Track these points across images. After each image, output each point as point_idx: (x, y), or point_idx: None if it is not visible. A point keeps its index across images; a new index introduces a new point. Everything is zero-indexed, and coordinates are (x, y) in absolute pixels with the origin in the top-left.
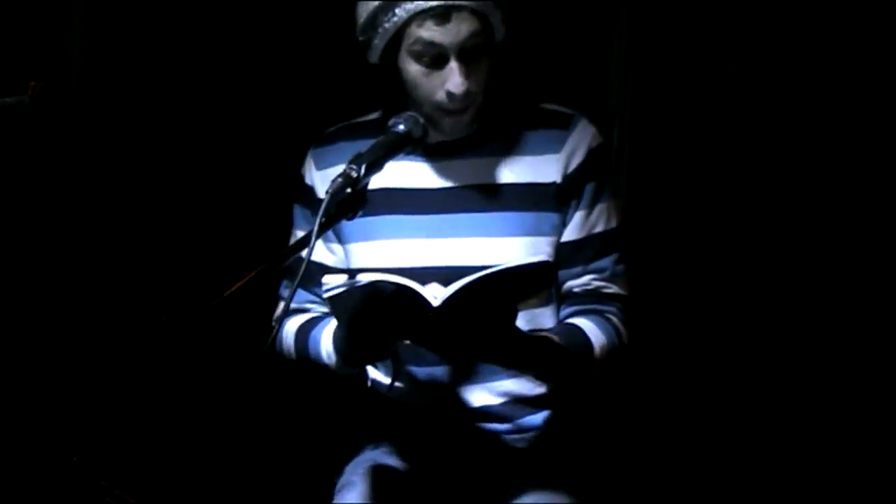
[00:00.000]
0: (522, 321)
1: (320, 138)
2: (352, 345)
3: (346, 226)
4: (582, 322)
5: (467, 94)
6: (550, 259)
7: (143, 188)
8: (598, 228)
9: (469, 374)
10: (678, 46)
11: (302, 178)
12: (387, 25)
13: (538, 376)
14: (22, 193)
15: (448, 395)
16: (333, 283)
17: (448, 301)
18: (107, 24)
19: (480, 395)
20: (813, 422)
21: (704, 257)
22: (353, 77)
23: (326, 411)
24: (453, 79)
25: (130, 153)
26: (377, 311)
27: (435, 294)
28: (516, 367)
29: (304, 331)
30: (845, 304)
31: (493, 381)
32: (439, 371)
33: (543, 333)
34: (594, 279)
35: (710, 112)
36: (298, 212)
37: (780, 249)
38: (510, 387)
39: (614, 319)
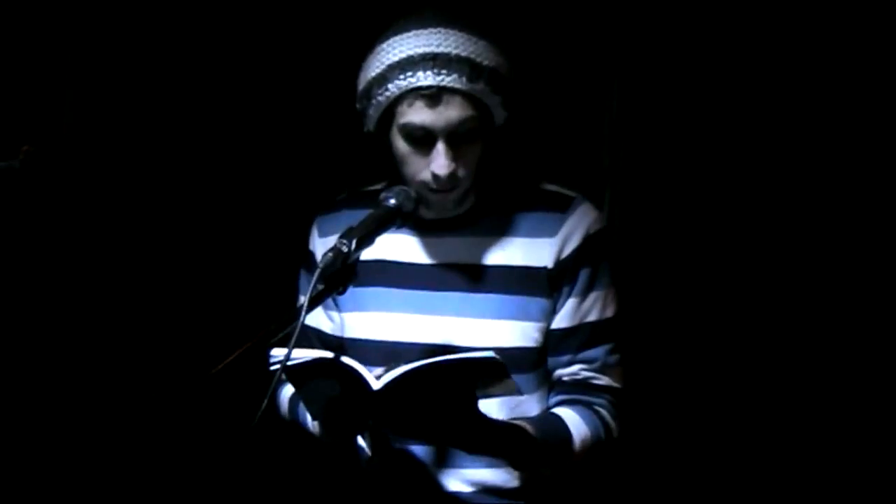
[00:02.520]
0: (505, 407)
1: (327, 205)
2: (314, 418)
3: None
4: (565, 412)
5: (452, 177)
6: (537, 345)
7: (136, 250)
8: (591, 318)
9: (444, 459)
10: (668, 109)
11: (307, 243)
12: (380, 98)
13: (511, 464)
14: (14, 256)
15: (422, 476)
16: (281, 354)
17: (388, 386)
18: (99, 88)
19: (453, 482)
20: (807, 430)
21: (695, 313)
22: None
23: (309, 483)
24: (438, 160)
25: (122, 215)
26: (325, 388)
27: (379, 376)
28: (482, 452)
29: (296, 398)
30: (837, 322)
31: (468, 468)
32: (417, 451)
33: (519, 421)
34: (583, 369)
35: (699, 171)
36: (303, 277)
37: (765, 303)
38: (484, 476)
39: (602, 412)
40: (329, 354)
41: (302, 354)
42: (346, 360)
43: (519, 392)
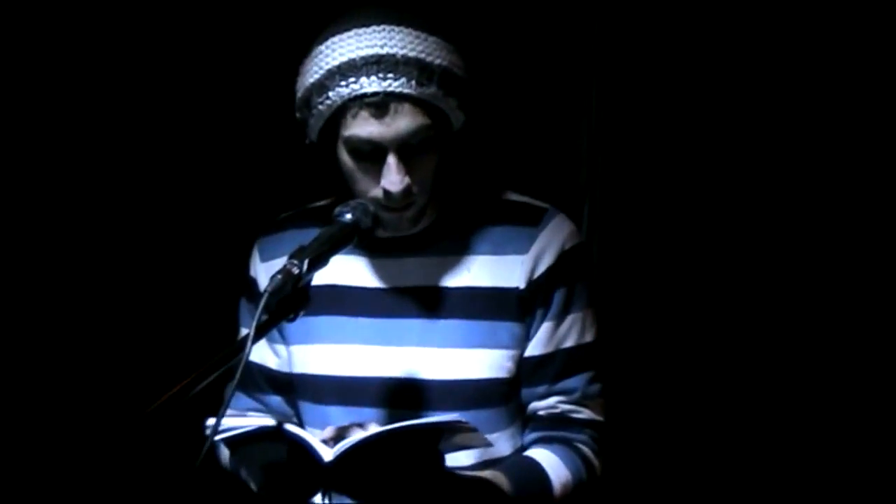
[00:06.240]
0: (475, 451)
1: (269, 225)
2: (258, 490)
3: (288, 325)
4: (542, 454)
5: (406, 193)
6: (510, 375)
7: (63, 274)
8: (568, 343)
9: None
10: (648, 121)
11: (247, 269)
12: (321, 108)
13: None
14: None
15: None
16: (231, 423)
17: (340, 457)
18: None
19: None
20: (799, 433)
21: (680, 336)
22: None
23: None
24: (390, 176)
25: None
26: (270, 452)
27: (331, 445)
28: None
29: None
30: (825, 335)
31: None
32: None
33: (491, 473)
34: (561, 401)
35: (683, 184)
36: (244, 307)
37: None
38: None
39: (584, 449)
40: (271, 422)
41: (239, 423)
42: (291, 429)
43: (489, 444)
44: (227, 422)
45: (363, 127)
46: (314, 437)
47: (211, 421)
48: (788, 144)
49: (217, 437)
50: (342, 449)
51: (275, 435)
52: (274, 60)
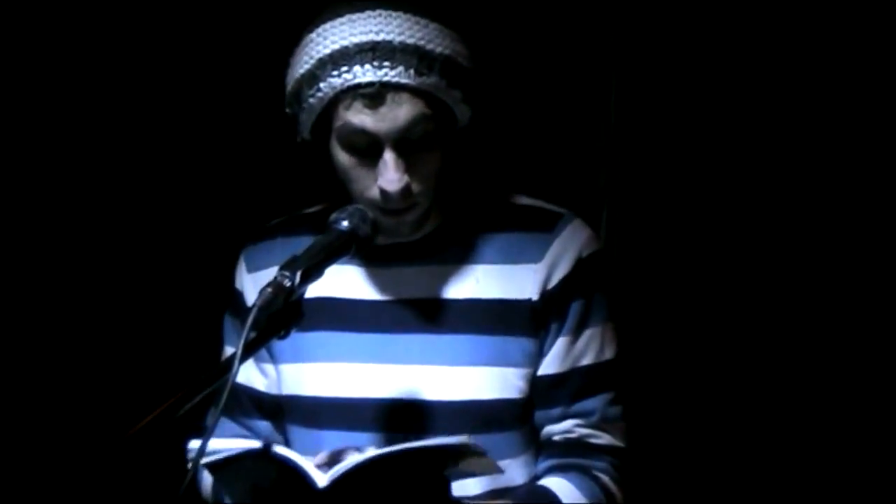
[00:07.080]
0: (484, 478)
1: (256, 233)
2: None
3: (278, 342)
4: (557, 483)
5: (406, 194)
6: (522, 395)
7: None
8: (585, 361)
9: None
10: (668, 123)
11: (232, 280)
12: (312, 101)
13: None
14: None
15: None
16: (214, 446)
17: (335, 483)
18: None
19: None
20: (804, 438)
21: (701, 349)
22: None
23: None
24: (387, 174)
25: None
26: (257, 475)
27: (325, 470)
28: None
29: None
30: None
31: None
32: None
33: (498, 503)
34: (578, 425)
35: (705, 188)
36: (228, 323)
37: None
38: None
39: (603, 478)
40: (257, 444)
41: (225, 445)
42: (281, 451)
43: (500, 471)
44: (210, 444)
45: (357, 118)
46: (306, 461)
47: (194, 443)
48: (810, 150)
49: (210, 460)
50: (338, 473)
51: (262, 458)
52: (262, 53)
